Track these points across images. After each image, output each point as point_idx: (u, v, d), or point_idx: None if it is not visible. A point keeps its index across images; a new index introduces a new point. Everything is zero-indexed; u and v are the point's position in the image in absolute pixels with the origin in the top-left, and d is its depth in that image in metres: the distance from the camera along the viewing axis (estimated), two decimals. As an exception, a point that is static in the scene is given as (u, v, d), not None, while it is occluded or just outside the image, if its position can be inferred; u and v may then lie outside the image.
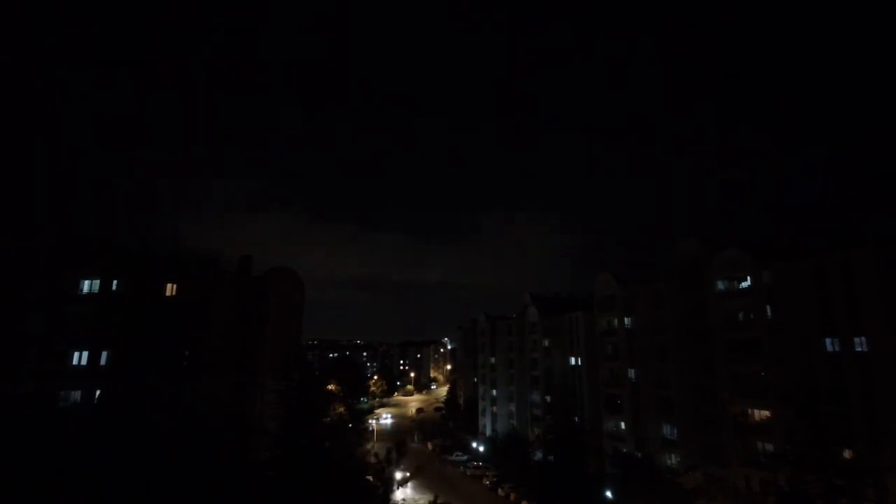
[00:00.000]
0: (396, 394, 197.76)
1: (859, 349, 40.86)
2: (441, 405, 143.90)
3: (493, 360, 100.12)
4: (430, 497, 62.61)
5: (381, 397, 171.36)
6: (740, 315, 51.15)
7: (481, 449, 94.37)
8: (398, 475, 74.32)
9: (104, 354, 47.48)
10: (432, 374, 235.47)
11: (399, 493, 67.30)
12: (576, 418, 68.69)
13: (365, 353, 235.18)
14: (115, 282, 49.19)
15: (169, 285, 50.28)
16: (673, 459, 56.13)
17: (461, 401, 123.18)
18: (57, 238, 51.02)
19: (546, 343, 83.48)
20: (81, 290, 49.21)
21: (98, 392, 44.96)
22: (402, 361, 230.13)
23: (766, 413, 47.14)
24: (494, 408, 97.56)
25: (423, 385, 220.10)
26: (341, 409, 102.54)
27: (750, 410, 48.60)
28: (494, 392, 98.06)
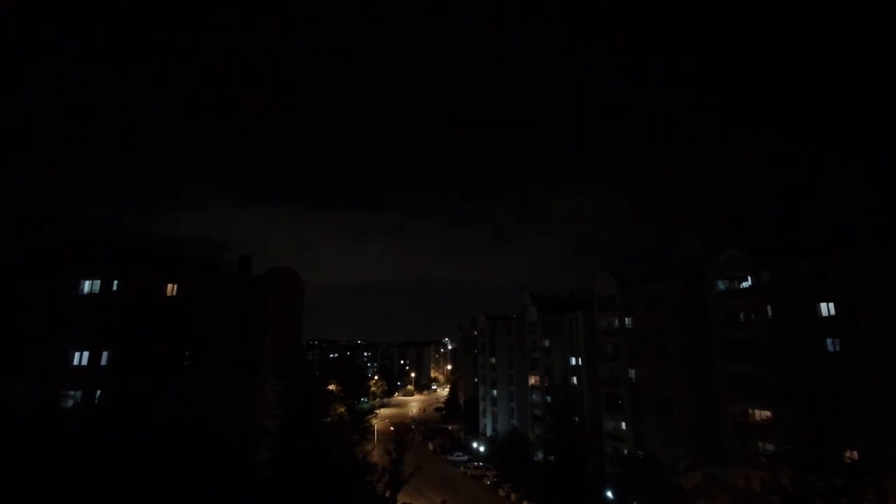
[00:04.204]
0: (397, 394, 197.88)
1: (859, 349, 40.88)
2: (441, 405, 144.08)
3: (493, 360, 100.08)
4: (429, 497, 62.55)
5: (382, 397, 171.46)
6: (740, 315, 51.13)
7: (482, 449, 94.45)
8: (399, 476, 74.10)
9: (104, 354, 47.49)
10: (433, 374, 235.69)
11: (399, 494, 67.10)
12: (576, 418, 68.69)
13: (365, 354, 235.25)
14: (115, 282, 49.21)
15: (169, 285, 50.32)
16: (673, 459, 56.15)
17: (461, 401, 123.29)
18: (57, 238, 51.03)
19: (546, 343, 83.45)
20: (81, 290, 49.21)
21: (98, 392, 44.97)
22: (402, 361, 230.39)
23: (766, 413, 47.16)
24: (494, 408, 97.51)
25: (423, 385, 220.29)
26: (341, 409, 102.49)
27: (750, 410, 48.64)
28: (495, 392, 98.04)
